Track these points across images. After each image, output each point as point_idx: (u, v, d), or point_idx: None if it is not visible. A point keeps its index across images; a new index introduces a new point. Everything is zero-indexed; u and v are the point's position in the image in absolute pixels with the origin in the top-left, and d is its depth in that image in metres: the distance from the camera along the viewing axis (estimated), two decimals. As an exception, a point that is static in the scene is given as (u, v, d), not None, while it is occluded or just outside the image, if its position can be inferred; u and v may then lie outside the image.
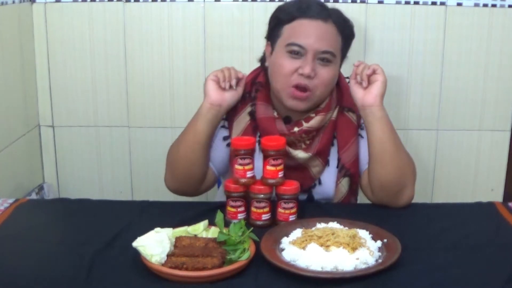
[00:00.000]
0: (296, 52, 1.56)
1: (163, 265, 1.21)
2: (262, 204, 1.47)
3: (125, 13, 2.20)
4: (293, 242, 1.30)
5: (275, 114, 1.64)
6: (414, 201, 1.60)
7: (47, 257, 1.30)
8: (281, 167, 1.47)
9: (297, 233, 1.35)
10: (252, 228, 1.31)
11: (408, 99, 2.26)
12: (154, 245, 1.23)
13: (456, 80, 2.24)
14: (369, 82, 1.55)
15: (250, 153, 1.48)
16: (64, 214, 1.58)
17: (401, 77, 2.23)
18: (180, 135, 1.64)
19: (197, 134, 1.59)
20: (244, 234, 1.29)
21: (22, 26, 2.15)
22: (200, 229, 1.36)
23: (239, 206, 1.48)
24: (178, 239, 1.29)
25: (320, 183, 1.66)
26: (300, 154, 1.60)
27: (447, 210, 1.60)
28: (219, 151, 1.67)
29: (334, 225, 1.38)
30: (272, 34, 1.63)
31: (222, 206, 1.49)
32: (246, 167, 1.47)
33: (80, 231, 1.44)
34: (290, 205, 1.47)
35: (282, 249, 1.30)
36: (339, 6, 2.08)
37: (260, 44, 1.73)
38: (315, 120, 1.61)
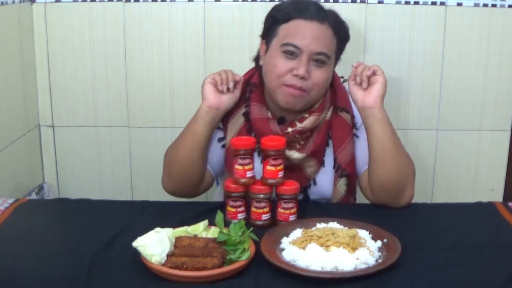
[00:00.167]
0: (291, 53, 1.55)
1: (163, 265, 1.21)
2: (262, 204, 1.47)
3: (125, 13, 2.20)
4: (293, 242, 1.30)
5: (269, 114, 1.64)
6: (414, 201, 1.60)
7: (47, 257, 1.30)
8: (281, 167, 1.47)
9: (297, 233, 1.35)
10: (252, 228, 1.31)
11: (408, 99, 2.26)
12: (154, 245, 1.23)
13: (456, 80, 2.24)
14: (369, 83, 1.55)
15: (250, 153, 1.48)
16: (64, 214, 1.58)
17: (401, 77, 2.23)
18: (178, 137, 1.64)
19: (195, 136, 1.59)
20: (244, 234, 1.29)
21: (22, 26, 2.15)
22: (200, 229, 1.36)
23: (239, 206, 1.48)
24: (178, 239, 1.29)
25: (315, 183, 1.66)
26: (294, 154, 1.60)
27: (447, 210, 1.59)
28: (216, 153, 1.67)
29: (334, 225, 1.38)
30: (268, 33, 1.63)
31: (222, 206, 1.50)
32: (246, 167, 1.47)
33: (80, 231, 1.44)
34: (290, 205, 1.47)
35: (282, 249, 1.30)
36: (339, 6, 2.09)
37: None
38: (309, 120, 1.61)
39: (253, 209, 1.48)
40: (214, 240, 1.29)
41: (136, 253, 1.24)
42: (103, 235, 1.38)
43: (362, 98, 1.55)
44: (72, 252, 1.31)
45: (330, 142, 1.64)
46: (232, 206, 1.48)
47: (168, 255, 1.23)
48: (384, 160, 1.54)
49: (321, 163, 1.65)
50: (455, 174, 2.34)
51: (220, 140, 1.67)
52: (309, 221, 1.41)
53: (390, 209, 1.57)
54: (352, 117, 1.64)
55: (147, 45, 2.23)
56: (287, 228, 1.39)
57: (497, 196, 2.32)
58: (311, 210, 1.55)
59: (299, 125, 1.61)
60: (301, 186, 1.59)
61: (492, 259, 1.29)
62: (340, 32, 1.61)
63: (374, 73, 1.54)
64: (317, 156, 1.63)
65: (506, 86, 2.24)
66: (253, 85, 1.66)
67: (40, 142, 2.33)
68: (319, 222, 1.40)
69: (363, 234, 1.33)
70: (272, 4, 1.68)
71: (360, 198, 1.73)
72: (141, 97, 2.28)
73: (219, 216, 1.33)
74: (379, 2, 2.16)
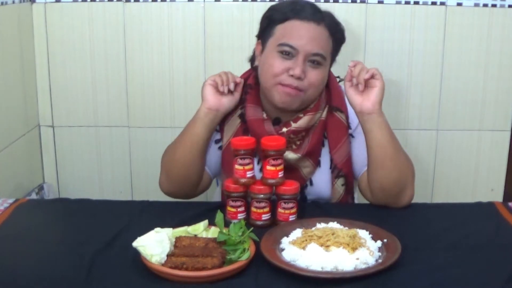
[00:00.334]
0: (287, 53, 1.56)
1: (163, 265, 1.21)
2: (262, 204, 1.47)
3: (125, 13, 2.19)
4: (293, 242, 1.30)
5: (264, 115, 1.64)
6: (414, 201, 1.60)
7: (47, 257, 1.30)
8: (281, 167, 1.47)
9: (297, 233, 1.35)
10: (252, 228, 1.31)
11: (408, 99, 2.26)
12: (154, 245, 1.23)
13: (456, 80, 2.24)
14: (366, 85, 1.52)
15: (250, 153, 1.48)
16: (64, 214, 1.58)
17: (401, 77, 2.23)
18: (177, 138, 1.64)
19: (194, 138, 1.59)
20: (244, 234, 1.29)
21: (22, 26, 2.15)
22: (200, 229, 1.36)
23: (239, 206, 1.48)
24: (178, 239, 1.29)
25: (311, 184, 1.66)
26: (289, 155, 1.59)
27: (447, 210, 1.59)
28: (213, 154, 1.67)
29: (334, 225, 1.38)
30: (264, 33, 1.63)
31: (222, 206, 1.50)
32: (246, 167, 1.47)
33: (80, 231, 1.44)
34: (290, 205, 1.47)
35: (282, 249, 1.30)
36: (339, 6, 2.09)
37: (260, 44, 1.73)
38: (304, 120, 1.61)
39: (253, 209, 1.48)
40: (214, 240, 1.29)
41: (136, 253, 1.24)
42: (103, 235, 1.38)
43: (360, 103, 1.53)
44: (72, 252, 1.31)
45: (326, 142, 1.64)
46: (232, 206, 1.48)
47: (168, 255, 1.23)
48: (384, 163, 1.54)
49: (317, 164, 1.65)
50: (455, 174, 2.34)
51: (217, 141, 1.67)
52: (309, 221, 1.41)
53: (390, 209, 1.57)
54: (347, 116, 1.63)
55: (147, 45, 2.23)
56: (287, 228, 1.39)
57: (497, 196, 2.32)
58: (311, 210, 1.55)
59: (293, 125, 1.61)
60: (298, 186, 1.60)
61: (492, 259, 1.29)
62: (336, 33, 1.62)
63: (372, 77, 1.52)
64: (313, 156, 1.63)
65: (506, 86, 2.24)
66: (248, 87, 1.66)
67: (40, 142, 2.33)
68: (319, 222, 1.40)
69: (363, 234, 1.33)
70: (272, 4, 1.69)
71: (360, 198, 1.74)
72: (141, 97, 2.28)
73: (219, 216, 1.33)
74: (379, 2, 2.16)
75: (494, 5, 2.16)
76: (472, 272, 1.23)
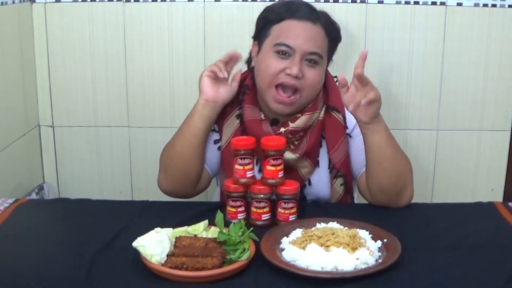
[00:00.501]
0: (284, 52, 1.56)
1: (163, 265, 1.21)
2: (262, 204, 1.47)
3: (125, 13, 2.19)
4: (293, 242, 1.30)
5: (262, 116, 1.64)
6: (414, 201, 1.60)
7: (47, 257, 1.30)
8: (281, 167, 1.48)
9: (297, 233, 1.35)
10: (252, 228, 1.31)
11: (408, 99, 2.26)
12: (154, 245, 1.23)
13: (456, 80, 2.24)
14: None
15: (250, 153, 1.48)
16: (64, 214, 1.58)
17: (401, 77, 2.23)
18: (176, 133, 1.64)
19: (193, 130, 1.58)
20: (244, 234, 1.29)
21: (22, 26, 2.15)
22: (200, 229, 1.36)
23: (239, 206, 1.48)
24: (178, 239, 1.29)
25: (310, 184, 1.65)
26: (287, 155, 1.59)
27: (447, 210, 1.59)
28: (212, 154, 1.67)
29: (334, 225, 1.38)
30: (260, 34, 1.63)
31: (222, 206, 1.49)
32: (246, 167, 1.47)
33: (80, 231, 1.44)
34: (290, 205, 1.47)
35: (282, 249, 1.30)
36: (339, 6, 2.09)
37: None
38: (301, 120, 1.61)
39: (253, 209, 1.48)
40: (214, 240, 1.29)
41: (136, 253, 1.24)
42: (103, 235, 1.38)
43: (357, 116, 1.50)
44: (72, 252, 1.31)
45: (324, 143, 1.64)
46: (232, 206, 1.48)
47: (168, 255, 1.23)
48: (383, 165, 1.54)
49: (315, 164, 1.65)
50: (455, 174, 2.34)
51: (215, 142, 1.67)
52: (309, 221, 1.41)
53: (390, 209, 1.57)
54: (345, 116, 1.63)
55: (147, 45, 2.23)
56: (287, 228, 1.39)
57: (497, 196, 2.32)
58: (310, 210, 1.55)
59: (291, 125, 1.61)
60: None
61: (492, 259, 1.29)
62: (332, 33, 1.62)
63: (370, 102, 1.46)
64: (311, 156, 1.63)
65: (506, 86, 2.24)
66: (246, 87, 1.66)
67: (40, 142, 2.33)
68: (319, 222, 1.40)
69: (363, 234, 1.33)
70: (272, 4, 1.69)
71: (360, 198, 1.74)
72: (141, 97, 2.28)
73: (219, 216, 1.33)
74: (379, 2, 2.16)
75: (494, 5, 2.15)
76: (472, 272, 1.23)
